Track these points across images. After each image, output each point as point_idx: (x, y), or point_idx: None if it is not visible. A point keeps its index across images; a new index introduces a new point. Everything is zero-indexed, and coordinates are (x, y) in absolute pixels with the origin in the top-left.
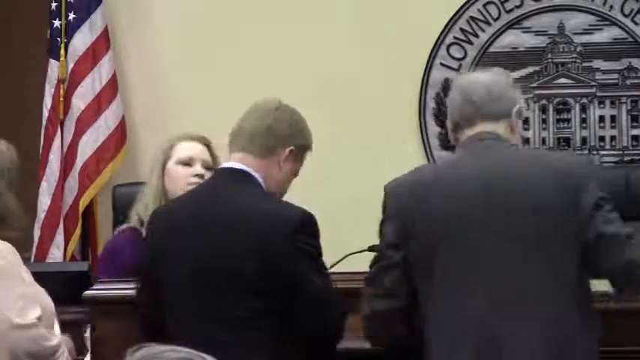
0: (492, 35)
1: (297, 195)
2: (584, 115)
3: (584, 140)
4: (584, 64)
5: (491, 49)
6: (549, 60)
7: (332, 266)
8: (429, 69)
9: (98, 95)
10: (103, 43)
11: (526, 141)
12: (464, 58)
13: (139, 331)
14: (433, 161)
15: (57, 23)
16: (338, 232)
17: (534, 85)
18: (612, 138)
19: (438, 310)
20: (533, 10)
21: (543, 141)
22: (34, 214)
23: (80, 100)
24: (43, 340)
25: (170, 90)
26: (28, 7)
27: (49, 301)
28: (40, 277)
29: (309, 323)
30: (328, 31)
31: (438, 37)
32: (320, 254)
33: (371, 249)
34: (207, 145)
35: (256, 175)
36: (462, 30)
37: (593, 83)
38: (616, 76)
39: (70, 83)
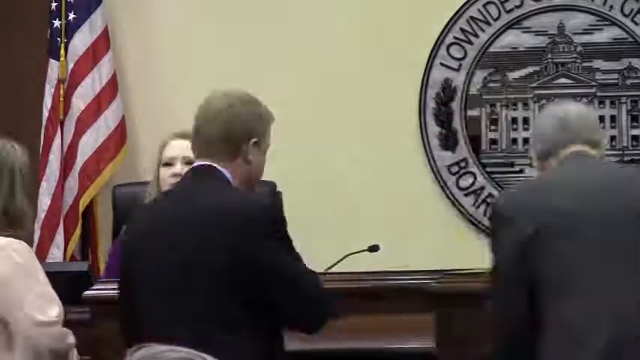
0: (492, 35)
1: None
2: None
3: None
4: (584, 64)
5: (491, 49)
6: (549, 60)
7: (332, 266)
8: (429, 69)
9: (98, 95)
10: (103, 43)
11: (526, 141)
12: (464, 58)
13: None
14: (433, 161)
15: (57, 23)
16: (337, 232)
17: (534, 85)
18: (612, 138)
19: (558, 316)
20: (533, 10)
21: None
22: (34, 214)
23: (80, 100)
24: (64, 338)
25: (170, 90)
26: (28, 7)
27: (59, 301)
28: None
29: (291, 304)
30: (328, 31)
31: (438, 37)
32: (287, 237)
33: (370, 249)
34: None
35: (223, 170)
36: (462, 30)
37: (593, 83)
38: (616, 76)
39: (70, 83)
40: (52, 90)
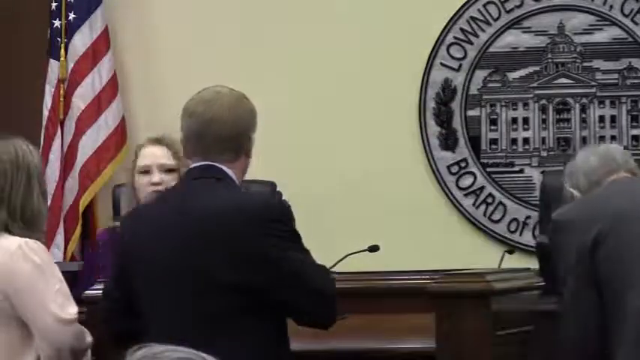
0: (492, 35)
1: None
2: (584, 115)
3: (584, 140)
4: (584, 64)
5: (491, 49)
6: (549, 60)
7: (332, 266)
8: (429, 69)
9: (98, 95)
10: (103, 43)
11: (525, 141)
12: (464, 58)
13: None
14: (433, 161)
15: (57, 23)
16: (338, 232)
17: (534, 85)
18: (612, 138)
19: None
20: (534, 10)
21: (543, 141)
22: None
23: (80, 100)
24: (83, 336)
25: (170, 90)
26: (28, 7)
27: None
28: None
29: (295, 300)
30: (328, 31)
31: (438, 37)
32: (296, 235)
33: (370, 249)
34: (168, 145)
35: (227, 169)
36: (462, 30)
37: (593, 83)
38: (616, 76)
39: (70, 83)
40: (52, 90)
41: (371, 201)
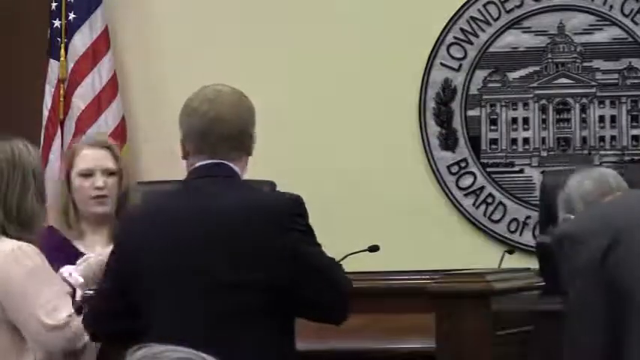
0: (492, 35)
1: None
2: (584, 115)
3: (584, 140)
4: (584, 64)
5: (491, 49)
6: (549, 60)
7: None
8: (429, 69)
9: (98, 95)
10: (103, 43)
11: (525, 141)
12: (464, 58)
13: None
14: (433, 161)
15: (57, 23)
16: (337, 232)
17: (534, 85)
18: (612, 138)
19: None
20: (534, 10)
21: (543, 141)
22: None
23: (80, 100)
24: (77, 338)
25: (170, 90)
26: (28, 7)
27: (69, 299)
28: None
29: (317, 294)
30: (328, 31)
31: (438, 37)
32: (312, 230)
33: (370, 249)
34: (109, 148)
35: (236, 167)
36: (462, 30)
37: (593, 83)
38: (616, 76)
39: (70, 83)
40: (52, 90)
41: (371, 201)
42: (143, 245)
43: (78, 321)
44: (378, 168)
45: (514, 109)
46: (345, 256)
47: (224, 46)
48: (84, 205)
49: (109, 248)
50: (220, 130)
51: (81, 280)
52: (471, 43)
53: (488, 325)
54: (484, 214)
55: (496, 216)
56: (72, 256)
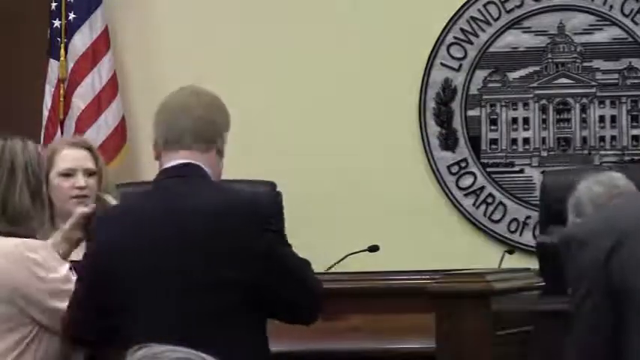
0: (492, 35)
1: (297, 195)
2: (584, 115)
3: (584, 140)
4: (584, 64)
5: (491, 49)
6: (549, 60)
7: (332, 266)
8: (429, 69)
9: (98, 95)
10: (103, 43)
11: (526, 141)
12: (464, 58)
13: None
14: (433, 161)
15: (57, 23)
16: (338, 232)
17: (534, 85)
18: (612, 138)
19: None
20: (534, 10)
21: (543, 141)
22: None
23: (80, 100)
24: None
25: (170, 90)
26: (28, 7)
27: None
28: None
29: (290, 295)
30: (328, 31)
31: (438, 37)
32: (284, 231)
33: (370, 249)
34: (90, 149)
35: (205, 167)
36: (462, 30)
37: (593, 83)
38: (616, 76)
39: (70, 83)
40: (52, 90)
41: (371, 201)
42: (117, 246)
43: None
44: (378, 168)
45: (514, 109)
46: (345, 256)
47: (224, 46)
48: (63, 205)
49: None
50: (186, 121)
51: None
52: (471, 43)
53: (488, 325)
54: (484, 214)
55: (496, 216)
56: None
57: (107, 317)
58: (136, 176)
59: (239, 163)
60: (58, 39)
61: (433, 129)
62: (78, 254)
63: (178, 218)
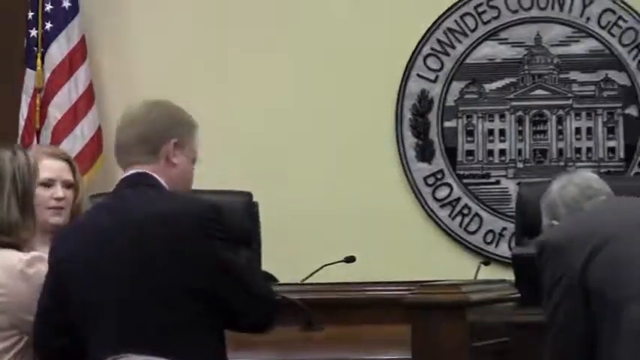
0: (469, 46)
1: (273, 206)
2: (560, 127)
3: (560, 152)
4: (561, 76)
5: (467, 61)
6: (526, 71)
7: (308, 277)
8: (405, 80)
9: (74, 105)
10: (79, 53)
11: (502, 152)
12: (441, 69)
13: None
14: (410, 172)
15: (34, 33)
16: (314, 243)
17: (511, 96)
18: (588, 150)
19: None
20: (511, 22)
21: (519, 152)
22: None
23: (56, 110)
24: None
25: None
26: (4, 16)
27: None
28: None
29: (243, 302)
30: (305, 43)
31: (415, 48)
32: (227, 235)
33: (347, 260)
34: (68, 161)
35: (157, 176)
36: (439, 41)
37: (570, 95)
38: (592, 87)
39: (47, 93)
40: (29, 99)
41: (347, 212)
42: (70, 258)
43: None
44: (354, 179)
45: (490, 121)
46: (322, 267)
47: (201, 56)
48: (39, 215)
49: None
50: (128, 134)
51: None
52: (448, 55)
53: (464, 336)
54: (460, 226)
55: (472, 227)
56: None
57: (66, 331)
58: (111, 186)
59: (216, 173)
60: (35, 48)
61: (409, 140)
62: None
63: (128, 228)
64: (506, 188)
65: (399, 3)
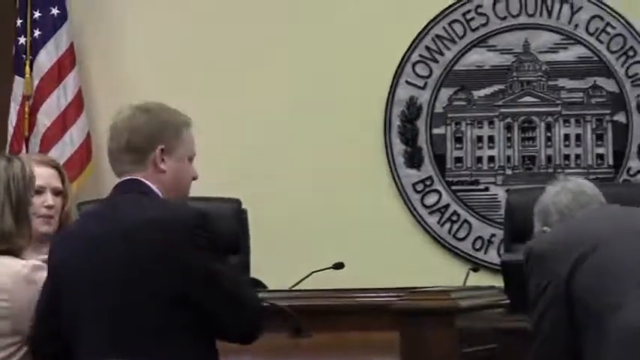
0: (458, 53)
1: (261, 212)
2: (549, 134)
3: (549, 159)
4: (550, 83)
5: (456, 67)
6: (514, 78)
7: (297, 284)
8: (394, 87)
9: (63, 112)
10: (68, 60)
11: (491, 159)
12: (429, 76)
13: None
14: (398, 179)
15: (22, 40)
16: (302, 249)
17: (499, 103)
18: (577, 156)
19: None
20: (499, 29)
21: (508, 159)
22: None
23: (45, 117)
24: None
25: None
26: None
27: None
28: None
29: (229, 312)
30: (294, 49)
31: (404, 55)
32: (215, 245)
33: (335, 267)
34: (57, 168)
35: (149, 182)
36: (428, 48)
37: (559, 102)
38: (581, 94)
39: (36, 100)
40: (17, 107)
41: (336, 218)
42: (62, 265)
43: None
44: (343, 185)
45: (479, 128)
46: (310, 274)
47: (190, 62)
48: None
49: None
50: (117, 142)
51: None
52: (437, 61)
53: (453, 342)
54: (449, 232)
55: (461, 234)
56: None
57: (59, 337)
58: (101, 193)
59: (205, 180)
60: (23, 56)
61: (398, 147)
62: None
63: (117, 236)
64: (495, 195)
65: (388, 10)
